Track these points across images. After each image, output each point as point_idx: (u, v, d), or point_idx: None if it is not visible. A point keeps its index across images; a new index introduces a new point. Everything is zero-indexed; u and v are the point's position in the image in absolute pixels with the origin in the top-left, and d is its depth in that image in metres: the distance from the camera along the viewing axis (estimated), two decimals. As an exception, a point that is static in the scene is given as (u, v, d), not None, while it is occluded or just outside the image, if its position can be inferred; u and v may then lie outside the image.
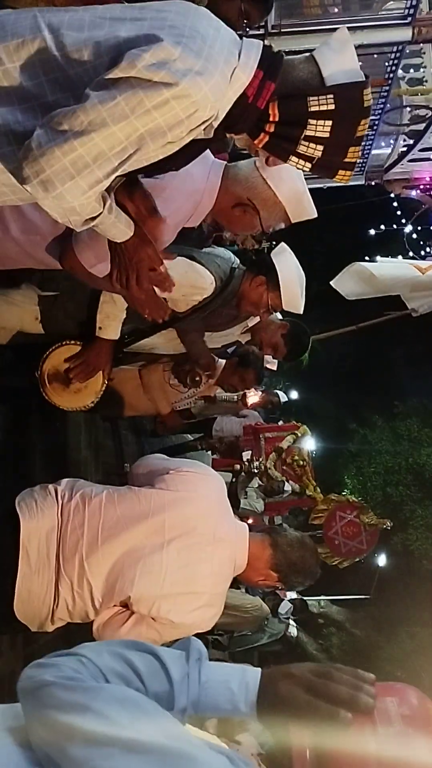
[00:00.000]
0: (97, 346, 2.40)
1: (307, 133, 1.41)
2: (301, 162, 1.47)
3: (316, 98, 1.39)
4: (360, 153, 1.46)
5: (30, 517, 1.80)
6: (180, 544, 1.83)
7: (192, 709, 1.01)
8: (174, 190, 1.69)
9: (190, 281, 2.44)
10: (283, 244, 2.79)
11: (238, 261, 3.34)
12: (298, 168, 1.50)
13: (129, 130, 1.24)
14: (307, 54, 1.44)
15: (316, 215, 2.02)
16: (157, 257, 1.56)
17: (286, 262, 2.72)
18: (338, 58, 1.41)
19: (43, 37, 1.30)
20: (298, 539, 2.05)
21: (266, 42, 4.58)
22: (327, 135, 1.41)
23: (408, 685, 0.99)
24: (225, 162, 1.95)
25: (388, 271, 4.37)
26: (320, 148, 1.42)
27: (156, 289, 1.61)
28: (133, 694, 0.90)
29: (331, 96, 1.38)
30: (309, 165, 1.47)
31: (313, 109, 1.39)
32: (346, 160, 1.45)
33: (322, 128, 1.40)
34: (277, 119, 1.42)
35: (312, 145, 1.42)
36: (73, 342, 2.45)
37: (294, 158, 1.47)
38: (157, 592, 1.79)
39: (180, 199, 1.78)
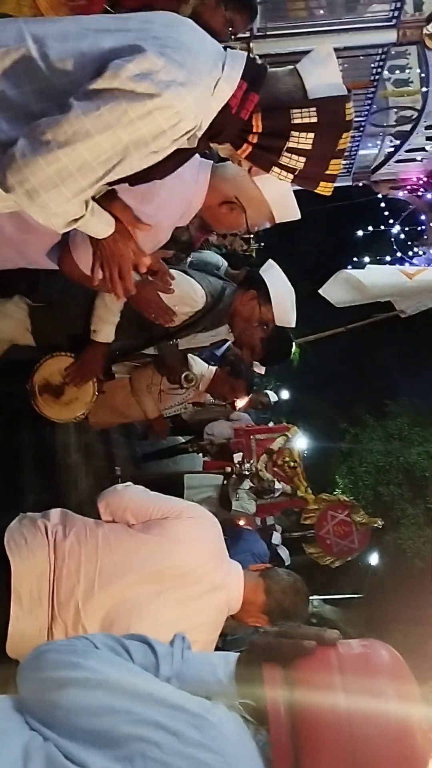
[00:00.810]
0: (92, 350, 2.40)
1: (290, 144, 1.43)
2: (284, 173, 1.48)
3: (299, 111, 1.41)
4: (341, 165, 1.48)
5: (20, 559, 1.75)
6: (176, 594, 1.80)
7: (176, 682, 1.06)
8: (166, 193, 1.70)
9: (183, 291, 2.45)
10: (270, 260, 2.82)
11: (226, 264, 3.35)
12: (280, 179, 1.51)
13: (113, 140, 1.25)
14: (291, 67, 1.46)
15: (299, 216, 2.04)
16: (139, 251, 1.57)
17: (276, 276, 2.74)
18: (321, 72, 1.43)
19: (28, 47, 1.30)
20: (292, 586, 2.01)
21: (252, 44, 4.63)
22: (309, 147, 1.43)
23: (377, 641, 1.02)
24: (212, 162, 1.97)
25: (376, 278, 4.39)
26: (302, 159, 1.45)
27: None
28: (121, 660, 1.04)
29: (314, 109, 1.41)
30: (291, 176, 1.49)
31: (296, 121, 1.41)
32: (328, 172, 1.48)
33: (304, 140, 1.42)
34: (260, 130, 1.44)
35: (294, 156, 1.44)
36: (64, 354, 2.44)
37: (276, 169, 1.48)
38: None
39: (172, 201, 1.80)
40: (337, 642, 1.00)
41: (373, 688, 0.93)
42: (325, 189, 1.51)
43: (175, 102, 1.26)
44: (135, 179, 1.41)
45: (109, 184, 1.39)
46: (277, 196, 1.96)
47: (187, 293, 2.49)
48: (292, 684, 0.96)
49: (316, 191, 1.52)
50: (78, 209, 1.35)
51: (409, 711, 0.92)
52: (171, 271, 2.01)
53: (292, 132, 1.42)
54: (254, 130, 1.44)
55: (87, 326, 2.38)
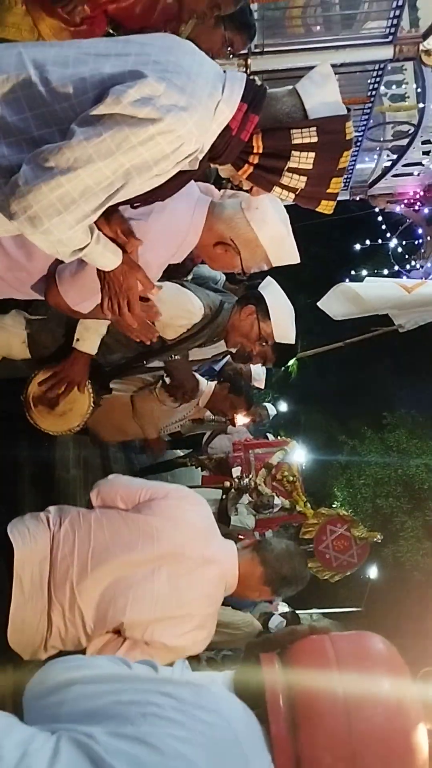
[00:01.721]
0: (72, 358, 2.38)
1: (291, 164, 1.44)
2: (285, 192, 1.49)
3: (299, 131, 1.42)
4: (342, 184, 1.49)
5: (23, 545, 1.80)
6: (170, 569, 1.85)
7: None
8: (158, 232, 1.68)
9: (179, 303, 2.44)
10: (269, 277, 2.79)
11: (224, 278, 3.36)
12: (281, 198, 1.52)
13: (115, 166, 1.26)
14: (290, 87, 1.47)
15: (298, 261, 2.01)
16: (148, 282, 1.58)
17: (275, 293, 2.73)
18: (321, 92, 1.44)
19: (28, 73, 1.30)
20: (285, 550, 2.08)
21: (249, 61, 4.66)
22: (310, 167, 1.44)
23: (371, 632, 1.05)
24: (210, 199, 1.96)
25: (374, 291, 4.39)
26: (303, 179, 1.45)
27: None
28: (124, 664, 1.08)
29: (314, 128, 1.42)
30: (292, 196, 1.49)
31: (296, 141, 1.42)
32: (329, 191, 1.48)
33: (305, 160, 1.43)
34: (260, 151, 1.44)
35: (295, 176, 1.45)
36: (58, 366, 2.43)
37: (277, 189, 1.49)
38: (149, 617, 1.80)
39: (164, 239, 1.77)
40: (329, 631, 1.05)
41: (367, 666, 0.97)
42: (326, 207, 1.52)
43: (176, 126, 1.26)
44: (137, 201, 1.41)
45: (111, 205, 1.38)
46: (273, 240, 1.94)
47: (183, 305, 2.48)
48: (287, 665, 0.99)
49: (317, 210, 1.53)
50: (83, 237, 1.35)
51: (402, 688, 0.94)
52: (167, 283, 2.00)
53: (293, 152, 1.43)
54: (255, 150, 1.45)
55: None
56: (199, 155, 1.39)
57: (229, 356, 3.49)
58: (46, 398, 2.43)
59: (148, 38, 1.41)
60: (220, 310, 2.67)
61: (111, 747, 0.81)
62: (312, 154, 1.42)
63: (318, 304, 4.37)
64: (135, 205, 1.45)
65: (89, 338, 2.35)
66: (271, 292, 2.72)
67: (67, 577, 1.80)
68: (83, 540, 1.85)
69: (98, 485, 2.09)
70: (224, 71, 1.45)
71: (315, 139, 1.42)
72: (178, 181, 1.42)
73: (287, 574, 2.04)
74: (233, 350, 3.33)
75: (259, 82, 1.45)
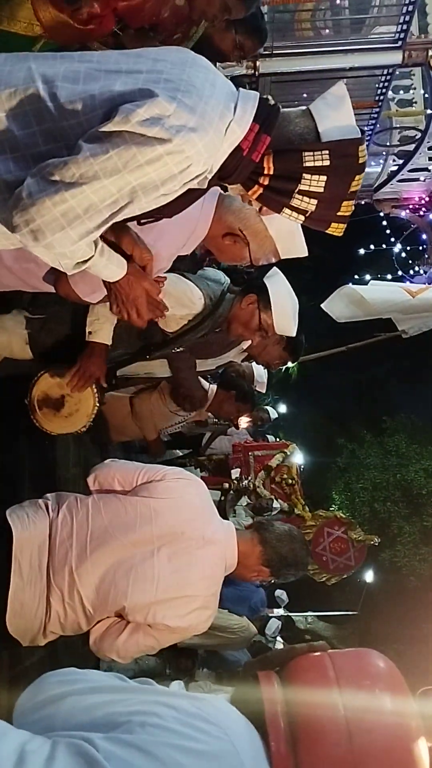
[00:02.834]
0: (89, 351, 2.34)
1: (302, 187, 1.42)
2: (295, 214, 1.47)
3: (311, 153, 1.40)
4: (353, 206, 1.46)
5: (23, 529, 1.80)
6: (170, 549, 1.84)
7: None
8: (168, 223, 1.69)
9: (179, 292, 2.41)
10: (275, 268, 2.72)
11: (229, 281, 3.35)
12: (291, 220, 1.50)
13: (121, 184, 1.25)
14: (304, 108, 1.45)
15: (306, 254, 2.01)
16: (154, 288, 1.58)
17: (278, 283, 2.67)
18: (334, 114, 1.42)
19: (37, 87, 1.29)
20: (286, 533, 2.07)
21: (258, 63, 4.64)
22: (321, 190, 1.41)
23: (370, 649, 1.05)
24: (219, 190, 1.95)
25: (379, 294, 4.38)
26: (314, 202, 1.43)
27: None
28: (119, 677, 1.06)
29: (327, 152, 1.39)
30: (302, 218, 1.47)
31: (308, 164, 1.40)
32: (340, 213, 1.46)
33: (316, 183, 1.41)
34: (271, 172, 1.42)
35: (306, 199, 1.43)
36: (62, 366, 2.40)
37: (287, 210, 1.47)
38: (151, 599, 1.79)
39: (174, 230, 1.78)
40: (327, 648, 1.05)
41: (367, 683, 0.96)
42: (336, 230, 1.50)
43: (185, 147, 1.25)
44: (143, 218, 1.40)
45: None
46: (282, 232, 1.94)
47: (183, 294, 2.45)
48: (287, 683, 0.98)
49: (326, 231, 1.51)
50: (86, 250, 1.34)
51: (403, 705, 0.94)
52: (167, 274, 1.99)
53: (304, 174, 1.41)
54: (265, 171, 1.43)
55: (84, 337, 2.34)
56: (208, 175, 1.38)
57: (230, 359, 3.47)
58: (51, 400, 2.41)
59: (160, 53, 1.39)
60: (221, 301, 2.62)
61: (109, 752, 0.79)
62: (324, 177, 1.40)
63: (322, 306, 4.36)
64: (141, 222, 1.44)
65: (102, 328, 2.31)
66: (275, 282, 2.67)
67: (66, 561, 1.79)
68: (81, 524, 1.85)
69: (95, 469, 2.09)
70: (237, 89, 1.43)
71: (327, 163, 1.40)
72: (186, 199, 1.41)
73: (287, 555, 2.03)
74: (239, 360, 3.30)
75: (272, 102, 1.43)
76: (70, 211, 1.24)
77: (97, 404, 2.46)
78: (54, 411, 2.42)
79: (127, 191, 1.26)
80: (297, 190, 1.42)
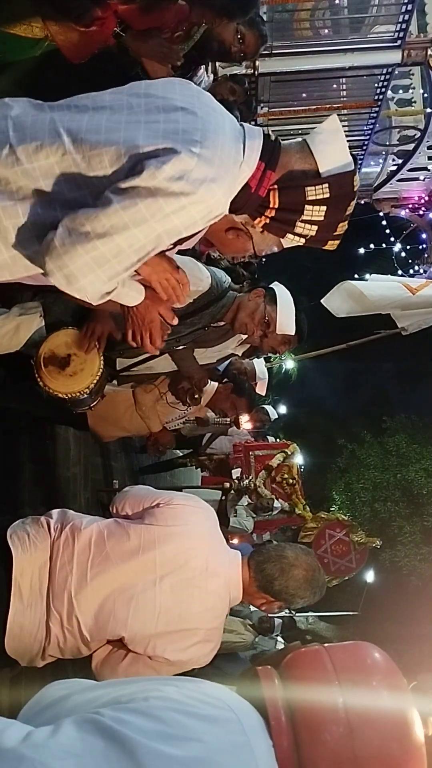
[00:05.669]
0: (97, 312, 2.34)
1: (304, 217, 1.54)
2: (297, 239, 1.60)
3: (313, 188, 1.52)
4: (347, 225, 1.60)
5: (23, 551, 1.76)
6: (172, 580, 1.79)
7: None
8: None
9: (187, 268, 2.44)
10: (276, 282, 2.88)
11: (230, 279, 3.36)
12: (292, 243, 1.62)
13: (148, 232, 1.35)
14: (301, 140, 1.56)
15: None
16: (169, 314, 1.69)
17: (283, 289, 2.80)
18: (332, 149, 1.54)
19: (62, 141, 1.39)
20: (274, 553, 1.93)
21: (258, 62, 4.66)
22: (322, 218, 1.54)
23: (365, 642, 1.06)
24: None
25: (378, 290, 4.40)
26: (314, 228, 1.56)
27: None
28: None
29: (327, 185, 1.52)
30: (303, 241, 1.60)
31: (310, 197, 1.52)
32: (335, 233, 1.59)
33: (317, 213, 1.54)
34: (277, 206, 1.54)
35: (308, 226, 1.56)
36: (72, 328, 2.42)
37: (290, 236, 1.59)
38: (151, 632, 1.75)
39: None
40: (322, 643, 1.06)
41: (365, 675, 0.97)
42: (331, 246, 1.63)
43: (207, 197, 1.36)
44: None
45: None
46: None
47: (191, 271, 2.47)
48: (286, 678, 0.99)
49: (323, 248, 1.63)
50: (112, 285, 1.44)
51: (401, 696, 0.95)
52: (176, 256, 2.01)
53: (306, 206, 1.53)
54: (271, 205, 1.55)
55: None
56: (223, 213, 1.49)
57: (232, 357, 3.48)
58: (57, 359, 2.41)
59: (168, 91, 1.47)
60: (225, 293, 2.70)
61: (118, 718, 0.82)
62: (324, 207, 1.53)
63: (322, 301, 4.39)
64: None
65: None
66: (280, 287, 2.80)
67: (65, 586, 1.74)
68: (83, 549, 1.81)
69: (114, 500, 2.11)
70: (241, 125, 1.53)
71: (327, 195, 1.52)
72: (201, 231, 1.52)
73: (274, 573, 1.87)
74: (239, 353, 3.33)
75: (273, 137, 1.55)
76: (101, 257, 1.34)
77: (101, 367, 2.43)
78: (59, 369, 2.40)
79: (153, 237, 1.37)
80: (300, 219, 1.55)
